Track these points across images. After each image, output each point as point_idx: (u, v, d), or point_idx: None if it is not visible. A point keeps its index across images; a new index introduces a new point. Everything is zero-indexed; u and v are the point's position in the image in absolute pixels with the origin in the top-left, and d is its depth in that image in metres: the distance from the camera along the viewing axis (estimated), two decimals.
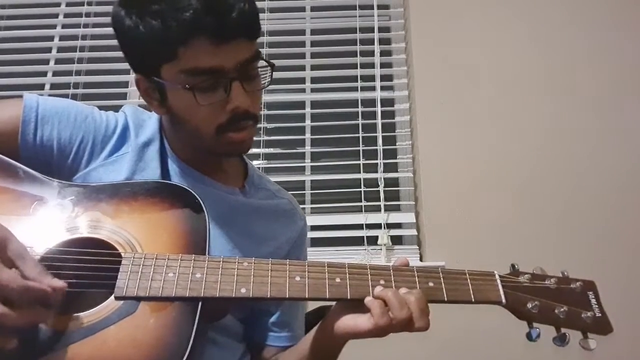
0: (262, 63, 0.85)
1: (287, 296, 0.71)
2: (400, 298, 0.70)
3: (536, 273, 0.77)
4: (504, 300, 0.73)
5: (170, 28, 0.75)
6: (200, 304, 0.69)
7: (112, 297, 0.69)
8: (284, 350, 0.96)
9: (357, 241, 1.88)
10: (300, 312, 1.02)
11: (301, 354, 0.87)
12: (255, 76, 0.85)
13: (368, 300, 0.71)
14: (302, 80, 2.12)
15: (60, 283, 0.64)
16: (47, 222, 0.76)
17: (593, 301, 0.74)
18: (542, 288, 0.75)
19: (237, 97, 0.80)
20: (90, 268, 0.71)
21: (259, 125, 2.02)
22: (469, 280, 0.74)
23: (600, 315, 0.73)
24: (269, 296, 0.71)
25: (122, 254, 0.72)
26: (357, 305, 0.72)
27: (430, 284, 0.73)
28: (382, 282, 0.73)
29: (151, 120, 0.94)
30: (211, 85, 0.79)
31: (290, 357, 0.91)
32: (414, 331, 0.70)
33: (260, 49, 0.84)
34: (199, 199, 0.80)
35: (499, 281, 0.75)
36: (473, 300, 0.73)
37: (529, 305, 0.73)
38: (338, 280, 0.73)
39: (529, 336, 0.72)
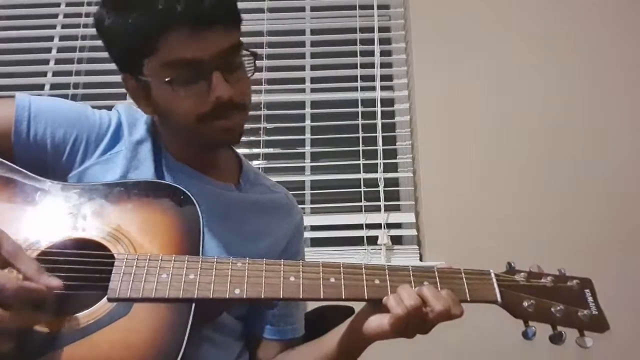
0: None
1: (282, 296, 0.71)
2: (434, 291, 0.70)
3: (533, 271, 0.76)
4: (499, 299, 0.73)
5: (146, 20, 0.76)
6: (193, 305, 0.69)
7: (105, 298, 0.68)
8: (288, 343, 0.95)
9: (357, 241, 1.88)
10: (301, 304, 1.01)
11: (323, 352, 0.85)
12: (239, 66, 0.84)
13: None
14: (302, 80, 2.12)
15: (56, 281, 0.63)
16: (40, 222, 0.75)
17: (590, 299, 0.73)
18: (538, 286, 0.74)
19: (218, 87, 0.79)
20: (83, 269, 0.71)
21: (259, 125, 2.03)
22: (464, 280, 0.74)
23: (596, 313, 0.72)
24: (262, 297, 0.70)
25: (115, 255, 0.72)
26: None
27: (426, 284, 0.72)
28: (377, 281, 0.73)
29: (144, 119, 0.93)
30: (192, 77, 0.79)
31: (308, 355, 0.89)
32: (449, 319, 0.70)
33: (242, 41, 0.83)
34: (193, 198, 0.79)
35: (494, 280, 0.74)
36: (469, 299, 0.73)
37: (525, 304, 0.72)
38: (333, 280, 0.72)
39: (525, 335, 0.71)
